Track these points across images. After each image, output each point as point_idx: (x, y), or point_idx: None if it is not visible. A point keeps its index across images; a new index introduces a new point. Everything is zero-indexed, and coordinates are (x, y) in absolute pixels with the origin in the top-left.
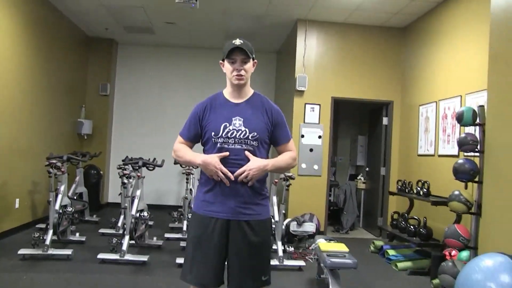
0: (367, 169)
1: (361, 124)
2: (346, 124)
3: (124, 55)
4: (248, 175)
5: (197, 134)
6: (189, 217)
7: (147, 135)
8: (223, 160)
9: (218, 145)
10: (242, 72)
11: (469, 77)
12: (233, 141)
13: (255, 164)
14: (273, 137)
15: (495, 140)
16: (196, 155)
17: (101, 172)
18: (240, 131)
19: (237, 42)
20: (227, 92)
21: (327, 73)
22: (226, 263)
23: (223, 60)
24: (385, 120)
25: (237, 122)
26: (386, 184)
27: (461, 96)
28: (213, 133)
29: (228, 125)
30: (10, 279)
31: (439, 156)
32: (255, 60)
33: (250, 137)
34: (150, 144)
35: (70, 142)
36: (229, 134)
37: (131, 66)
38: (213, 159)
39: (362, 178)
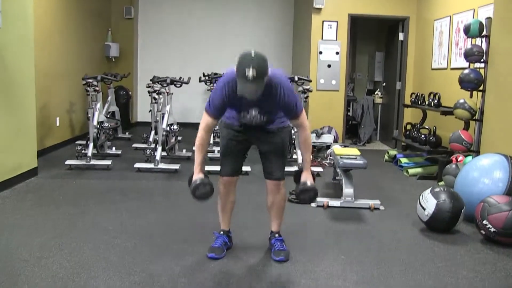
0: (384, 84)
1: (379, 40)
2: (364, 41)
3: None
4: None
5: (223, 113)
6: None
7: (171, 55)
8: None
9: (239, 119)
10: (254, 96)
11: None
12: (251, 121)
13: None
14: (285, 115)
15: (498, 49)
16: (197, 168)
17: (130, 93)
18: (257, 117)
19: (249, 74)
20: None
21: None
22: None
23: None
24: (401, 36)
25: (254, 112)
26: (401, 98)
27: (474, 10)
28: (234, 112)
29: (246, 114)
30: (62, 183)
31: (452, 69)
32: (268, 73)
33: (265, 119)
34: (174, 64)
35: (99, 64)
36: (247, 118)
37: None
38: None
39: (379, 93)
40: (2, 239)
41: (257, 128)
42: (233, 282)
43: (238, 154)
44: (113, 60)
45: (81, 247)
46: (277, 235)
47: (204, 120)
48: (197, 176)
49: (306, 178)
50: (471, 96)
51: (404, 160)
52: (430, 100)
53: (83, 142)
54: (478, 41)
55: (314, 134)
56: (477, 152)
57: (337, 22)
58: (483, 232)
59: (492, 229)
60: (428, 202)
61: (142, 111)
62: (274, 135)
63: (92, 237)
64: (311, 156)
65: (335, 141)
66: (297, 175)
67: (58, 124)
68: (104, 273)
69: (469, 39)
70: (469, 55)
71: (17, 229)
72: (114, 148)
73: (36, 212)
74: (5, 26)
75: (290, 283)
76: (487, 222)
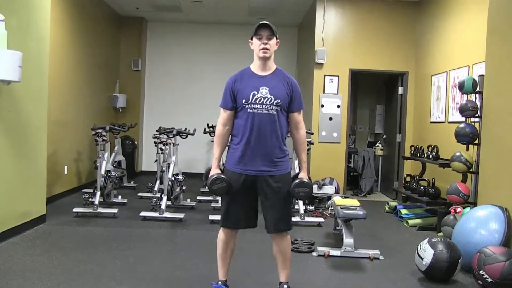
0: (384, 136)
1: (379, 94)
2: (365, 95)
3: (153, 32)
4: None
5: (233, 104)
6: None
7: (177, 107)
8: (254, 127)
9: (248, 110)
10: (268, 46)
11: (476, 48)
12: (260, 107)
13: (306, 178)
14: (290, 104)
15: (491, 106)
16: (215, 162)
17: (136, 142)
18: (267, 98)
19: (264, 21)
20: (254, 66)
21: (345, 46)
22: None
23: (251, 39)
24: (400, 90)
25: (264, 90)
26: (401, 150)
27: (468, 66)
28: (243, 100)
29: (256, 93)
30: (70, 230)
31: (449, 122)
32: (278, 40)
33: (274, 103)
34: (179, 115)
35: (107, 115)
36: (257, 101)
37: (161, 43)
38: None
39: (380, 145)
40: (14, 283)
41: (261, 172)
42: None
43: (239, 207)
44: (120, 110)
45: None
46: (285, 286)
47: (220, 116)
48: (215, 171)
49: (303, 176)
50: (467, 149)
51: (404, 211)
52: (429, 152)
53: (90, 190)
54: (473, 96)
55: (316, 185)
56: (474, 204)
57: (338, 76)
58: (480, 282)
59: (489, 279)
60: (426, 252)
61: (147, 161)
62: (278, 182)
63: (100, 283)
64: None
65: (337, 192)
66: (295, 176)
67: (66, 172)
68: None
69: (466, 95)
70: (464, 110)
71: (28, 273)
72: (120, 196)
73: (46, 258)
74: (23, 80)
75: None
76: (484, 273)
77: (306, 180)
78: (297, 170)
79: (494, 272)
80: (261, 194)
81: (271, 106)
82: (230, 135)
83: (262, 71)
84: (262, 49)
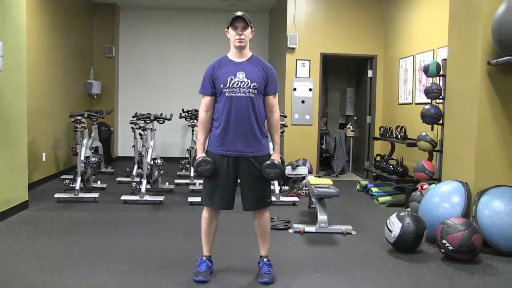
0: (355, 118)
1: (350, 77)
2: (336, 78)
3: (126, 19)
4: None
5: (213, 90)
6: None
7: (151, 92)
8: (232, 109)
9: (227, 94)
10: (243, 37)
11: (441, 32)
12: (238, 90)
13: (279, 161)
14: (265, 87)
15: (453, 88)
16: (200, 147)
17: (112, 128)
18: (244, 82)
19: (239, 13)
20: (231, 54)
21: (316, 31)
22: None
23: (228, 28)
24: (370, 73)
25: (241, 75)
26: (371, 131)
27: (433, 50)
28: (222, 85)
29: (233, 77)
30: (53, 215)
31: (416, 104)
32: (253, 29)
33: (251, 86)
34: (154, 100)
35: (82, 101)
36: (235, 85)
37: (134, 29)
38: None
39: (351, 127)
40: (6, 266)
41: (241, 153)
42: None
43: (221, 189)
44: (95, 97)
45: (79, 272)
46: (265, 259)
47: (202, 103)
48: (200, 155)
49: (275, 158)
50: (432, 129)
51: (374, 189)
52: (397, 133)
53: (69, 176)
54: (437, 79)
55: (290, 166)
56: (439, 180)
57: (309, 60)
58: (442, 250)
59: (450, 247)
60: (394, 225)
61: (123, 146)
62: (258, 163)
63: (89, 263)
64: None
65: (310, 172)
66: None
67: (44, 159)
68: None
69: (431, 78)
70: (429, 92)
71: (18, 256)
72: (99, 181)
73: (33, 241)
74: (3, 70)
75: None
76: (445, 242)
77: (276, 162)
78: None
79: (454, 240)
80: (241, 174)
81: (248, 89)
82: (212, 126)
83: (238, 58)
84: (238, 39)
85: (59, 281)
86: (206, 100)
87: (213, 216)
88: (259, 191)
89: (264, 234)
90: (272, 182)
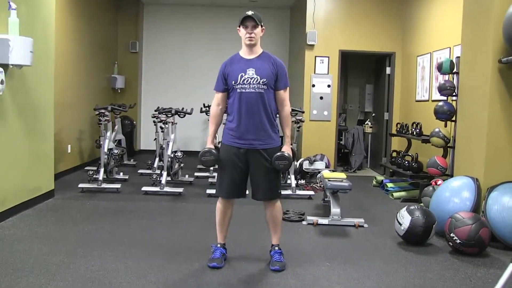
0: (373, 114)
1: (369, 74)
2: (356, 74)
3: (150, 15)
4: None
5: (225, 86)
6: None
7: (173, 87)
8: (243, 104)
9: (238, 90)
10: (253, 35)
11: (457, 30)
12: (248, 86)
13: (289, 153)
14: (276, 82)
15: (465, 85)
16: (209, 139)
17: (134, 122)
18: (253, 78)
19: (249, 12)
20: (242, 51)
21: (335, 28)
22: (248, 181)
23: (239, 27)
24: (388, 70)
25: (251, 71)
26: (389, 127)
27: (450, 48)
28: (233, 82)
29: (243, 74)
30: (77, 204)
31: (433, 101)
32: (263, 27)
33: (261, 82)
34: (176, 95)
35: (106, 95)
36: (245, 81)
37: (157, 25)
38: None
39: (369, 123)
40: (34, 247)
41: (252, 145)
42: (232, 280)
43: (234, 178)
44: (119, 91)
45: (101, 255)
46: (276, 248)
47: (214, 97)
48: (208, 146)
49: (286, 150)
50: (445, 126)
51: (390, 185)
52: (413, 129)
53: (92, 167)
54: (451, 77)
55: (307, 161)
56: (451, 176)
57: (328, 57)
58: (451, 244)
59: (458, 241)
60: (404, 218)
61: (145, 140)
62: (268, 156)
63: (110, 248)
64: (299, 156)
65: (327, 167)
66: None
67: (69, 151)
68: (125, 275)
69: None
70: (442, 90)
71: (45, 240)
72: (121, 173)
73: (59, 227)
74: (34, 64)
75: (281, 283)
76: (454, 235)
77: (286, 154)
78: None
79: (462, 234)
80: (252, 165)
81: (258, 85)
82: (226, 114)
83: (249, 55)
84: (248, 37)
85: (83, 263)
86: (218, 95)
87: (226, 206)
88: (268, 183)
89: (275, 223)
90: (289, 176)
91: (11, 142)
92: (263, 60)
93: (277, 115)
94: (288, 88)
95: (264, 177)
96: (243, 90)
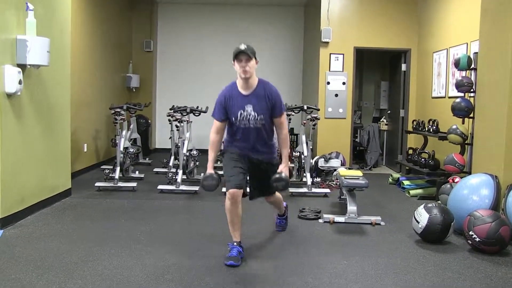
0: (388, 111)
1: (384, 71)
2: (371, 71)
3: (164, 14)
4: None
5: (226, 116)
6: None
7: (188, 86)
8: (244, 134)
9: (238, 124)
10: (247, 68)
11: (474, 26)
12: (247, 122)
13: (286, 172)
14: (272, 112)
15: (484, 81)
16: (210, 164)
17: (149, 121)
18: (251, 115)
19: (242, 47)
20: (239, 84)
21: (349, 25)
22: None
23: (233, 61)
24: (403, 67)
25: (249, 108)
26: (405, 124)
27: (467, 44)
28: (233, 118)
29: (243, 111)
30: (94, 202)
31: (449, 97)
32: (257, 60)
33: (258, 119)
34: (190, 93)
35: (121, 94)
36: (244, 118)
37: (171, 24)
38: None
39: (385, 120)
40: (53, 245)
41: (253, 154)
42: (249, 278)
43: (240, 171)
44: (134, 90)
45: (119, 253)
46: (279, 215)
47: (213, 125)
48: (209, 171)
49: (282, 170)
50: (463, 123)
51: (406, 182)
52: (430, 126)
53: (108, 166)
54: (469, 73)
55: (323, 159)
56: (469, 173)
57: (343, 54)
58: (469, 242)
59: (477, 239)
60: (422, 216)
61: (160, 138)
62: (266, 165)
63: (128, 245)
64: (314, 153)
65: (343, 165)
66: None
67: (85, 150)
68: (141, 273)
69: (463, 71)
70: (460, 86)
71: (63, 238)
72: (137, 172)
73: (77, 225)
74: (50, 64)
75: (299, 280)
76: (473, 233)
77: (283, 176)
78: (304, 150)
79: (481, 232)
80: (251, 169)
81: (256, 121)
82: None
83: (245, 90)
84: (243, 71)
85: (101, 261)
86: (217, 124)
87: (234, 206)
88: (264, 186)
89: (276, 204)
90: (304, 174)
91: (29, 141)
92: (258, 96)
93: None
94: (284, 113)
95: (261, 181)
96: (243, 126)
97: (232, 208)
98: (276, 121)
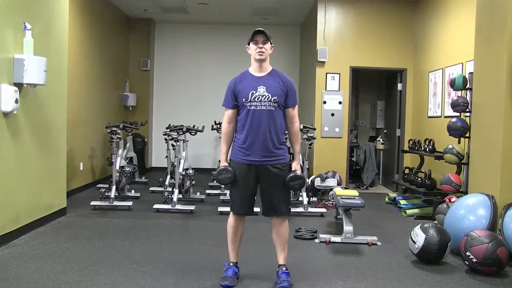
0: (385, 131)
1: (380, 90)
2: (367, 91)
3: (161, 33)
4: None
5: (235, 102)
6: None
7: (185, 105)
8: (254, 122)
9: (248, 107)
10: (263, 50)
11: (469, 46)
12: (259, 104)
13: (301, 171)
14: (285, 100)
15: (479, 101)
16: (223, 157)
17: (146, 140)
18: (265, 96)
19: (259, 28)
20: (252, 69)
21: (345, 45)
22: (257, 197)
23: (248, 44)
24: (399, 86)
25: (261, 89)
26: (401, 144)
27: (462, 64)
28: (244, 99)
29: (254, 92)
30: (90, 221)
31: (445, 117)
32: (272, 45)
33: (272, 100)
34: (187, 113)
35: (118, 113)
36: (256, 99)
37: (168, 43)
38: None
39: (381, 139)
40: (47, 266)
41: (261, 162)
42: None
43: (247, 195)
44: (130, 109)
45: (113, 274)
46: (284, 268)
47: (224, 115)
48: (223, 164)
49: (296, 168)
50: (459, 142)
51: (402, 202)
52: (426, 146)
53: (104, 185)
54: (464, 93)
55: (319, 178)
56: (465, 193)
57: (339, 74)
58: (467, 262)
59: (474, 260)
60: (418, 236)
61: (156, 157)
62: (278, 171)
63: (122, 266)
64: (310, 172)
65: (339, 184)
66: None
67: (81, 168)
68: None
69: (459, 91)
70: (455, 106)
71: (58, 258)
72: (133, 191)
73: (71, 244)
74: (47, 83)
75: None
76: (470, 254)
77: (299, 173)
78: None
79: (478, 252)
80: (262, 181)
81: (269, 102)
82: (235, 137)
83: (259, 72)
84: (258, 52)
85: (95, 281)
86: (228, 112)
87: (238, 224)
88: (278, 198)
89: (283, 242)
90: (300, 193)
91: (25, 159)
92: (273, 78)
93: (286, 132)
94: (296, 106)
95: (274, 192)
96: (254, 108)
97: (235, 225)
98: (288, 113)
